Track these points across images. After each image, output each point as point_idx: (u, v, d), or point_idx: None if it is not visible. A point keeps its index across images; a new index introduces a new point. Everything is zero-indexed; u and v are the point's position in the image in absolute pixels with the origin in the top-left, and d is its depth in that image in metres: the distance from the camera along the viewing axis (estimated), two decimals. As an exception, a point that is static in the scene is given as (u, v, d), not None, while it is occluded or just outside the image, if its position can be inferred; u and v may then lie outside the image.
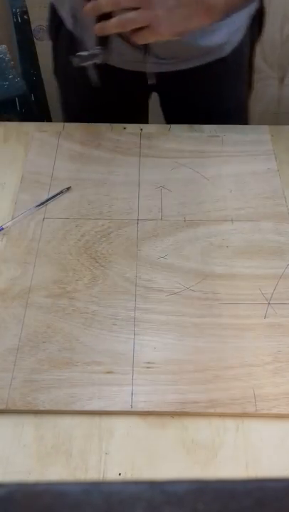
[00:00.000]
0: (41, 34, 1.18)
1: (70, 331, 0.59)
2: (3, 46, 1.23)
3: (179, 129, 0.84)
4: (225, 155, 0.79)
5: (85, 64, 0.65)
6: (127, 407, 0.53)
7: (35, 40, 1.19)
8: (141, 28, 0.58)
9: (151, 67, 0.79)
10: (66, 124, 0.86)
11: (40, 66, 1.24)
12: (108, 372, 0.55)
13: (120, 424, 0.53)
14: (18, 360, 0.56)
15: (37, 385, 0.54)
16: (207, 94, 0.87)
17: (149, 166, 0.78)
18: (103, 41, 0.63)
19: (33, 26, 1.16)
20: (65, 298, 0.62)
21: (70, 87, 0.94)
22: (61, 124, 0.86)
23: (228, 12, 0.60)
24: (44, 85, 1.28)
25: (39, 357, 0.57)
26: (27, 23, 1.16)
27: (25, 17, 1.16)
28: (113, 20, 0.57)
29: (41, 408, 0.53)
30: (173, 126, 0.84)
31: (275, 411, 0.53)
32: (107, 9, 0.57)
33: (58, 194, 0.74)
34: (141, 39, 0.59)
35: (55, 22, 0.86)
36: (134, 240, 0.68)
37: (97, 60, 0.64)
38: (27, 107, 1.18)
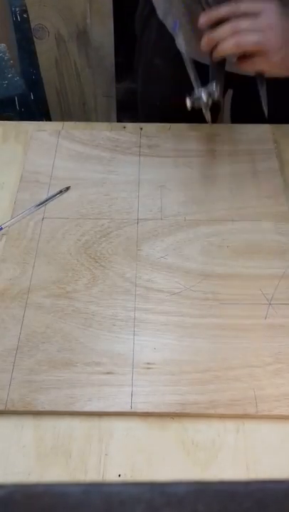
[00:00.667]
0: (40, 33, 1.17)
1: (70, 331, 0.59)
2: (3, 45, 1.23)
3: (178, 128, 0.84)
4: (225, 154, 0.79)
5: (201, 106, 0.60)
6: (126, 408, 0.53)
7: (34, 38, 1.19)
8: (252, 55, 0.55)
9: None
10: (65, 123, 0.85)
11: (40, 65, 1.24)
12: (108, 373, 0.55)
13: (120, 425, 0.52)
14: (17, 361, 0.56)
15: (36, 386, 0.54)
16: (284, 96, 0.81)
17: (148, 165, 0.78)
18: (219, 76, 0.58)
19: (32, 25, 1.16)
20: (65, 298, 0.62)
21: (151, 82, 0.91)
22: (60, 123, 0.86)
23: None
24: (43, 84, 1.28)
25: (38, 357, 0.56)
26: (26, 21, 1.16)
27: (25, 16, 1.16)
28: (227, 39, 0.54)
29: (40, 409, 0.53)
30: (173, 125, 0.84)
31: (275, 412, 0.52)
32: (224, 34, 0.55)
33: (57, 194, 0.73)
34: (249, 66, 0.56)
35: (145, 11, 0.83)
36: (134, 239, 0.68)
37: (214, 98, 0.59)
38: (26, 106, 1.18)
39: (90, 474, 0.49)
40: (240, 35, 0.54)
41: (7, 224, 0.69)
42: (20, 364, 0.56)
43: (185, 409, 0.53)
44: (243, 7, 0.55)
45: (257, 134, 0.82)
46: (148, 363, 0.56)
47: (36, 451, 0.51)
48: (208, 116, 0.62)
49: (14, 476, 0.49)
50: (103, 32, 1.20)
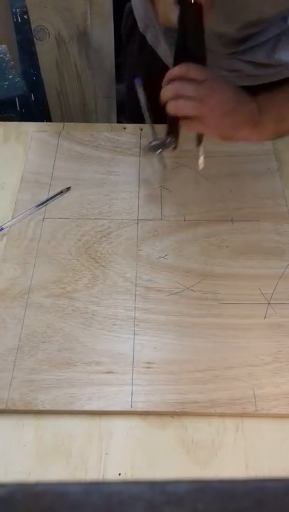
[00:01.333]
0: (41, 34, 1.17)
1: (70, 331, 0.59)
2: (3, 46, 1.23)
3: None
4: (225, 155, 0.79)
5: (157, 152, 0.66)
6: (126, 407, 0.53)
7: (35, 40, 1.19)
8: (191, 117, 0.59)
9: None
10: (66, 123, 0.86)
11: (40, 66, 1.24)
12: (108, 372, 0.55)
13: (120, 424, 0.53)
14: (17, 360, 0.56)
15: (37, 385, 0.54)
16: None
17: (149, 165, 0.78)
18: (173, 129, 0.64)
19: (32, 26, 1.16)
20: (65, 298, 0.62)
21: (135, 92, 0.94)
22: (61, 124, 0.86)
23: (277, 132, 0.61)
24: (44, 85, 1.28)
25: (39, 357, 0.57)
26: (27, 22, 1.16)
27: (25, 17, 1.16)
28: (170, 101, 0.59)
29: (41, 408, 0.53)
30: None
31: (275, 411, 0.53)
32: (168, 94, 0.59)
33: (57, 194, 0.74)
34: (187, 127, 0.60)
35: (129, 23, 0.86)
36: (134, 239, 0.68)
37: (169, 148, 0.64)
38: (27, 107, 1.18)
39: (91, 473, 0.50)
40: (180, 99, 0.58)
41: (8, 224, 0.69)
42: (21, 363, 0.56)
43: (185, 408, 0.53)
44: (192, 72, 0.58)
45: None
46: (148, 363, 0.56)
47: (37, 450, 0.51)
48: (162, 162, 0.68)
49: (15, 475, 0.50)
50: (103, 33, 1.20)
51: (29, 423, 0.53)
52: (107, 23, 1.17)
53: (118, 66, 1.29)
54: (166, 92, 0.60)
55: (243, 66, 0.73)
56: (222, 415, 0.53)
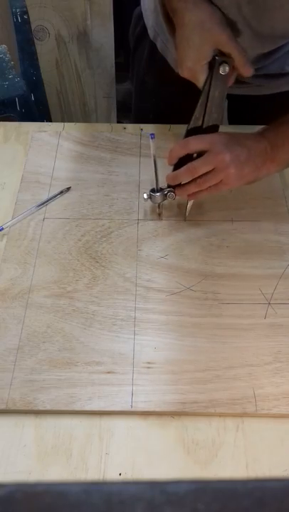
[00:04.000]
0: (41, 34, 1.17)
1: (70, 330, 0.59)
2: (3, 46, 1.23)
3: (179, 129, 0.84)
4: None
5: (158, 202, 0.68)
6: (127, 407, 0.53)
7: (35, 40, 1.19)
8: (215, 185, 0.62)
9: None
10: (66, 123, 0.86)
11: (40, 66, 1.24)
12: (108, 372, 0.55)
13: (120, 424, 0.53)
14: (18, 360, 0.56)
15: (37, 385, 0.54)
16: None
17: (149, 166, 0.78)
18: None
19: (33, 26, 1.16)
20: (66, 298, 0.62)
21: (143, 98, 0.95)
22: (61, 124, 0.86)
23: None
24: (44, 85, 1.28)
25: (39, 357, 0.57)
26: (27, 23, 1.17)
27: (25, 17, 1.16)
28: (189, 187, 0.62)
29: (41, 408, 0.53)
30: (173, 126, 0.84)
31: (275, 411, 0.53)
32: (185, 179, 0.62)
33: (58, 194, 0.74)
34: (215, 191, 0.63)
35: (138, 30, 0.86)
36: (135, 239, 0.68)
37: (170, 198, 0.67)
38: (27, 107, 1.18)
39: (91, 473, 0.50)
40: (197, 182, 0.61)
41: (8, 224, 0.69)
42: (21, 363, 0.56)
43: (185, 408, 0.53)
44: (193, 146, 0.60)
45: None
46: (148, 363, 0.56)
47: (37, 450, 0.51)
48: (160, 211, 0.70)
49: (15, 475, 0.50)
50: (103, 33, 1.20)
51: (29, 423, 0.53)
52: (107, 22, 1.18)
53: (118, 66, 1.29)
54: (180, 177, 0.63)
55: (254, 79, 0.74)
56: (222, 415, 0.53)
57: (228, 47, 0.56)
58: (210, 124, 0.62)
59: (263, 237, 0.68)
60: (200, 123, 0.62)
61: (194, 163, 0.60)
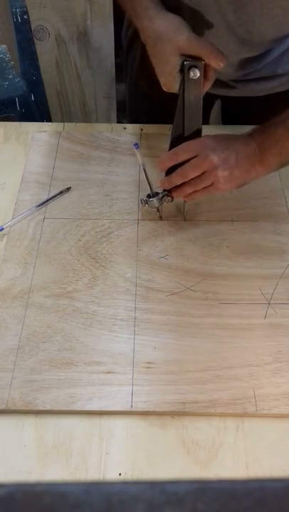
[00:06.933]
0: (41, 34, 1.17)
1: (71, 331, 0.59)
2: (3, 46, 1.23)
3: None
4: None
5: (155, 207, 0.69)
6: (127, 407, 0.53)
7: (35, 40, 1.19)
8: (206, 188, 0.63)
9: (226, 91, 0.80)
10: (66, 124, 0.86)
11: (40, 66, 1.24)
12: (108, 372, 0.55)
13: (120, 424, 0.53)
14: (18, 360, 0.56)
15: (37, 385, 0.54)
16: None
17: (149, 166, 0.78)
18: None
19: (33, 26, 1.16)
20: (66, 298, 0.62)
21: (136, 100, 0.96)
22: (61, 124, 0.86)
23: (282, 163, 0.63)
24: (44, 85, 1.28)
25: (39, 357, 0.57)
26: (27, 23, 1.16)
27: (25, 17, 1.16)
28: (180, 190, 0.64)
29: (41, 408, 0.53)
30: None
31: (275, 411, 0.53)
32: (177, 183, 0.64)
33: (58, 194, 0.74)
34: (208, 194, 0.64)
35: (130, 32, 0.86)
36: (135, 240, 0.68)
37: (167, 202, 0.68)
38: (27, 107, 1.19)
39: (91, 473, 0.50)
40: (187, 186, 0.63)
41: (8, 224, 0.69)
42: (22, 363, 0.56)
43: (185, 408, 0.53)
44: (182, 155, 0.61)
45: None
46: (148, 363, 0.56)
47: (37, 450, 0.51)
48: (159, 215, 0.71)
49: (15, 475, 0.50)
50: (103, 33, 1.20)
51: (29, 423, 0.53)
52: (107, 23, 1.18)
53: (118, 66, 1.29)
54: (172, 182, 0.64)
55: (248, 84, 0.74)
56: (222, 415, 0.53)
57: (192, 49, 0.56)
58: (193, 130, 0.63)
59: (263, 237, 0.68)
60: (181, 130, 0.63)
61: (184, 167, 0.62)
